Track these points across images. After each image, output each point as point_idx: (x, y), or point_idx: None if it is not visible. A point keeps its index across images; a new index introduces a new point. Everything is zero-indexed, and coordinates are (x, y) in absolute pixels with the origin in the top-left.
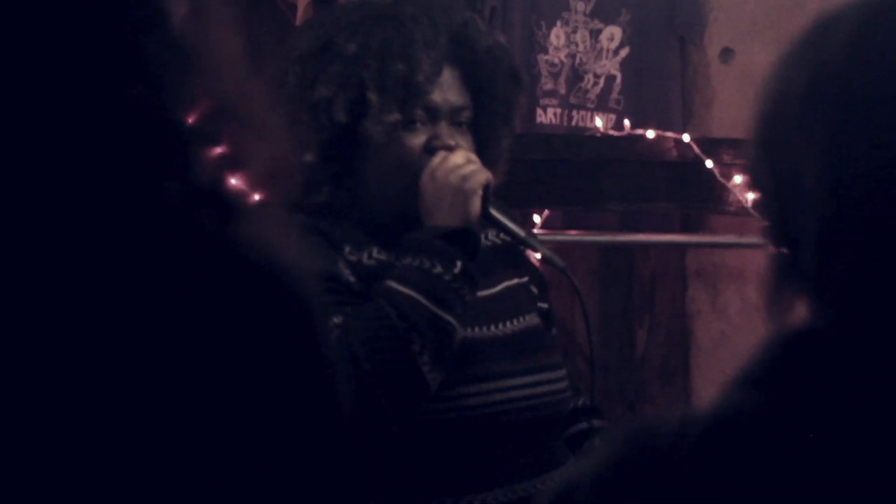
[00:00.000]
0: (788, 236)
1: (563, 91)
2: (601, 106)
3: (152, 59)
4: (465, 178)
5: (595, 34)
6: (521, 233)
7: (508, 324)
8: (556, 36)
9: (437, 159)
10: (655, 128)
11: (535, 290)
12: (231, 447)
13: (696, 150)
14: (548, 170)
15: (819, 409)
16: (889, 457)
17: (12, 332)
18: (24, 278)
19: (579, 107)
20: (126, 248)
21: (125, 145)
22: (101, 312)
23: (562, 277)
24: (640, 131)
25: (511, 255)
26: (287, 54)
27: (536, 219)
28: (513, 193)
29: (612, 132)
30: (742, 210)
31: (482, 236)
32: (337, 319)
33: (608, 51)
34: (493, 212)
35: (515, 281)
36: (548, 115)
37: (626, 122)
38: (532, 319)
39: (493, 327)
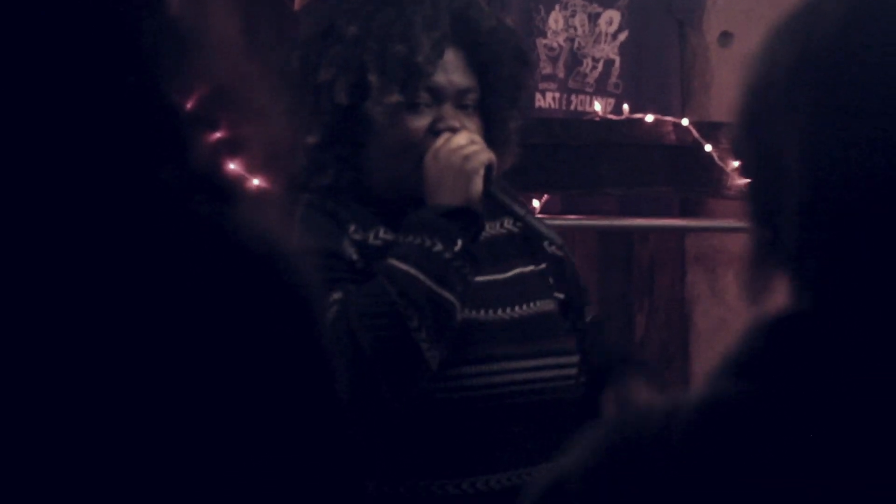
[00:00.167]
0: (769, 214)
1: (561, 75)
2: (600, 90)
3: (149, 43)
4: (466, 159)
5: (594, 18)
6: (522, 213)
7: (517, 308)
8: (555, 20)
9: (440, 141)
10: (654, 112)
11: (551, 280)
12: (226, 433)
13: (695, 133)
14: (546, 154)
15: (804, 395)
16: (874, 441)
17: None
18: (18, 263)
19: (578, 91)
20: (122, 233)
21: (122, 130)
22: (96, 296)
23: None
24: (638, 115)
25: (528, 243)
26: (290, 38)
27: (535, 203)
28: (511, 178)
29: (610, 116)
30: (741, 194)
31: (498, 224)
32: (336, 295)
33: (607, 35)
34: (495, 192)
35: (530, 268)
36: (546, 100)
37: (625, 107)
38: (544, 306)
39: (499, 310)
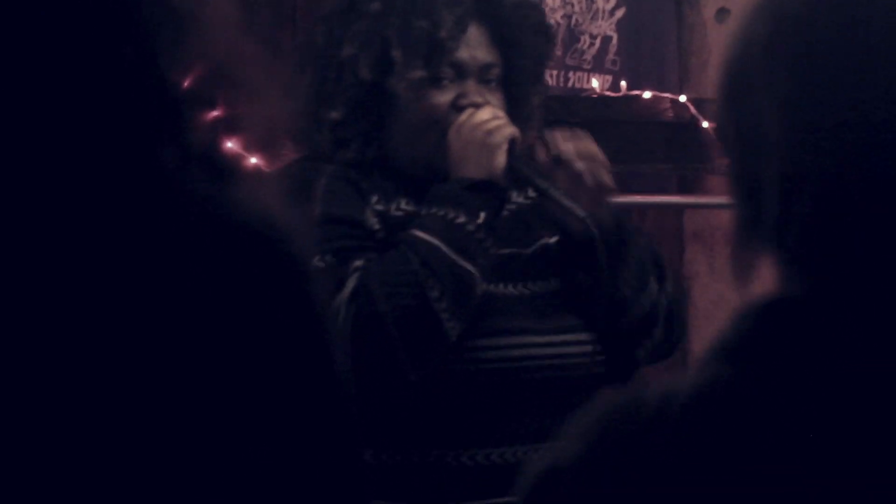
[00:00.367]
0: (751, 192)
1: (559, 52)
2: (597, 67)
3: (147, 21)
4: (490, 133)
5: None
6: (546, 186)
7: (539, 283)
8: None
9: (463, 116)
10: (652, 88)
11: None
12: (223, 410)
13: (693, 110)
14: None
15: (795, 379)
16: (864, 424)
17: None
18: (15, 241)
19: (575, 68)
20: (118, 211)
21: (119, 108)
22: (92, 274)
23: None
24: (636, 92)
25: (552, 216)
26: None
27: None
28: None
29: (608, 93)
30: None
31: (522, 197)
32: (358, 263)
33: (604, 11)
34: (518, 166)
35: (555, 239)
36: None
37: (623, 83)
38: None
39: (519, 285)
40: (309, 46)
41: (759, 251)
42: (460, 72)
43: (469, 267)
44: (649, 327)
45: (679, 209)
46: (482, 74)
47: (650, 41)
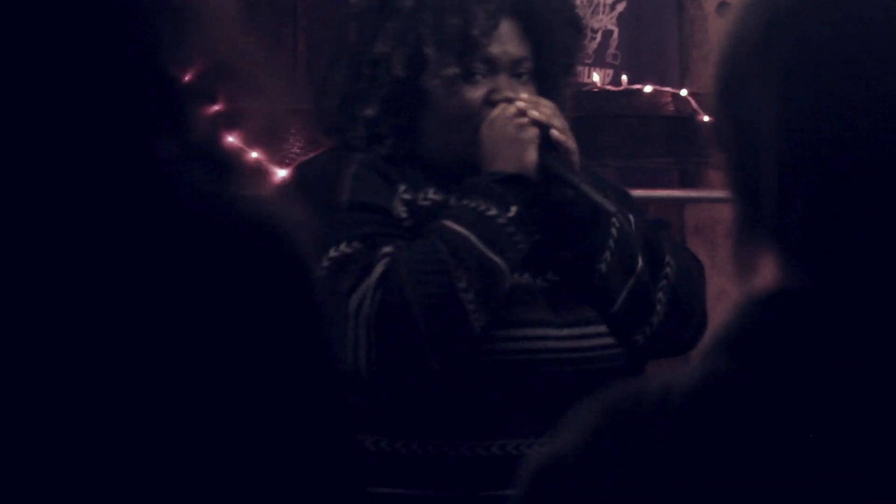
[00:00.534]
0: (749, 186)
1: None
2: (598, 61)
3: (148, 15)
4: (521, 128)
5: None
6: (577, 181)
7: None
8: None
9: (496, 110)
10: (652, 82)
11: None
12: (222, 401)
13: (693, 104)
14: None
15: (795, 373)
16: (865, 418)
17: None
18: (17, 234)
19: None
20: (119, 205)
21: (119, 102)
22: (91, 268)
23: None
24: (637, 86)
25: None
26: (346, 9)
27: None
28: None
29: (609, 87)
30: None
31: (553, 191)
32: (386, 249)
33: (605, 5)
34: (550, 161)
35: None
36: None
37: (624, 77)
38: None
39: (541, 276)
40: (340, 42)
41: (759, 246)
42: (492, 67)
43: (497, 260)
44: (644, 315)
45: (680, 203)
46: (514, 68)
47: (651, 35)
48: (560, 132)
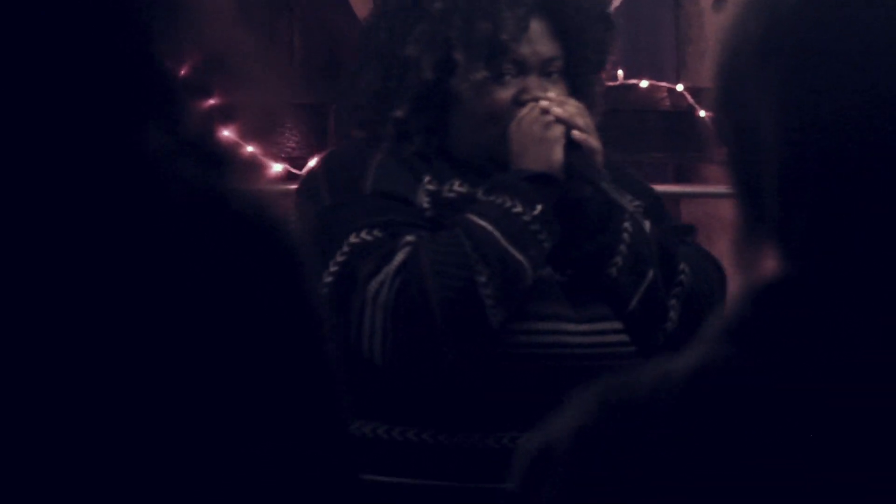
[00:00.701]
0: (751, 186)
1: None
2: None
3: (140, 8)
4: (547, 127)
5: None
6: (600, 181)
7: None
8: None
9: (524, 110)
10: (649, 77)
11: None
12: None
13: (690, 99)
14: None
15: (792, 361)
16: (861, 406)
17: None
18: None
19: None
20: (109, 198)
21: (112, 95)
22: (81, 259)
23: None
24: (633, 81)
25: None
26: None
27: None
28: None
29: (605, 82)
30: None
31: (582, 189)
32: (409, 238)
33: None
34: (574, 160)
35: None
36: None
37: (619, 72)
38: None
39: (560, 271)
40: (371, 41)
41: (762, 243)
42: (522, 67)
43: (520, 257)
44: (658, 320)
45: (676, 198)
46: (544, 68)
47: (647, 30)
48: (583, 131)
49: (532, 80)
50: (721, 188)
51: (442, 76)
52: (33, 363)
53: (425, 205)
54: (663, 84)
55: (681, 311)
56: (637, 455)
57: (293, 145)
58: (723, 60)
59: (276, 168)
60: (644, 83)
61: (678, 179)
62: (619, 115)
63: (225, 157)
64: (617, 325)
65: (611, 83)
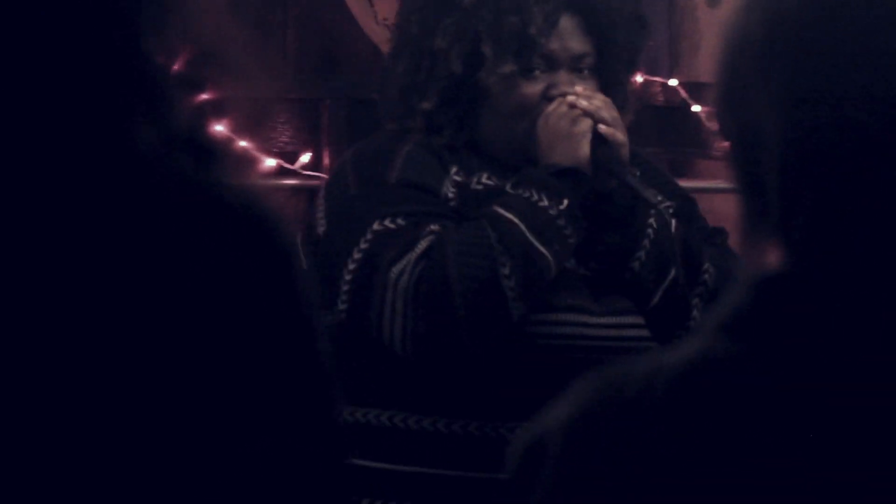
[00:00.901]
0: (754, 183)
1: None
2: None
3: (130, 2)
4: (574, 122)
5: None
6: (627, 176)
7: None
8: None
9: (552, 105)
10: (642, 72)
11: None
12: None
13: (683, 94)
14: None
15: (790, 355)
16: (857, 399)
17: None
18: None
19: None
20: (101, 193)
21: (103, 89)
22: (73, 253)
23: None
24: None
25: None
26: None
27: None
28: None
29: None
30: (728, 155)
31: (609, 184)
32: (433, 227)
33: None
34: (600, 155)
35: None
36: None
37: None
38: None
39: (583, 264)
40: (402, 33)
41: (765, 239)
42: (551, 62)
43: (544, 250)
44: (681, 318)
45: None
46: (574, 64)
47: None
48: (609, 125)
49: (562, 76)
50: (714, 183)
51: (471, 70)
52: (24, 358)
53: (450, 195)
54: (657, 79)
55: (704, 310)
56: (629, 449)
57: (286, 140)
58: (725, 57)
59: (269, 163)
60: (638, 78)
61: (672, 174)
62: None
63: (217, 152)
64: (638, 319)
65: None
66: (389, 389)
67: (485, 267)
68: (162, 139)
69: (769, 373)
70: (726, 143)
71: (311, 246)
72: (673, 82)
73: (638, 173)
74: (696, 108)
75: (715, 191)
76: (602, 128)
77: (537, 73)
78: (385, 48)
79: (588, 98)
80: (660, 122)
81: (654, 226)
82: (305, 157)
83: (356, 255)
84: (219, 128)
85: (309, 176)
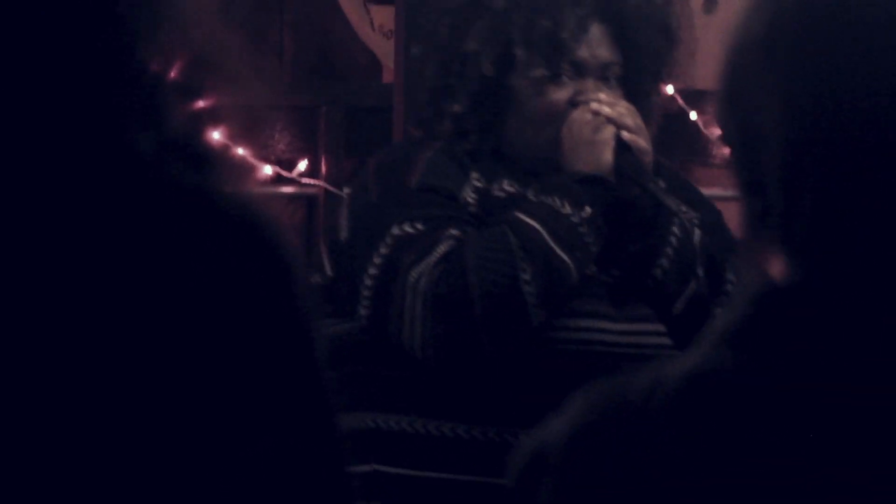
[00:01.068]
0: (755, 185)
1: None
2: None
3: (126, 8)
4: (597, 129)
5: None
6: (651, 184)
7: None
8: None
9: (576, 112)
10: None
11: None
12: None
13: (680, 101)
14: None
15: (791, 367)
16: (860, 413)
17: None
18: None
19: None
20: (97, 200)
21: (98, 97)
22: (69, 260)
23: None
24: None
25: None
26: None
27: None
28: None
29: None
30: (726, 162)
31: (631, 192)
32: (453, 231)
33: None
34: (623, 163)
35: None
36: None
37: None
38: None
39: (605, 270)
40: (432, 37)
41: (767, 242)
42: (580, 70)
43: (565, 257)
44: (701, 325)
45: None
46: (601, 72)
47: None
48: (632, 132)
49: (589, 83)
50: (712, 191)
51: (501, 73)
52: (23, 365)
53: (470, 201)
54: None
55: None
56: (630, 458)
57: (283, 147)
58: (726, 61)
59: (266, 170)
60: (669, 89)
61: None
62: None
63: (214, 159)
64: (659, 327)
65: None
66: (410, 395)
67: (505, 272)
68: (158, 147)
69: (771, 383)
70: (725, 151)
71: (334, 254)
72: (669, 89)
73: (662, 183)
74: (693, 115)
75: (714, 199)
76: (625, 135)
77: (565, 79)
78: (381, 55)
79: (611, 105)
80: (658, 130)
81: (677, 234)
82: (302, 165)
83: (376, 261)
84: (215, 135)
85: (306, 184)
